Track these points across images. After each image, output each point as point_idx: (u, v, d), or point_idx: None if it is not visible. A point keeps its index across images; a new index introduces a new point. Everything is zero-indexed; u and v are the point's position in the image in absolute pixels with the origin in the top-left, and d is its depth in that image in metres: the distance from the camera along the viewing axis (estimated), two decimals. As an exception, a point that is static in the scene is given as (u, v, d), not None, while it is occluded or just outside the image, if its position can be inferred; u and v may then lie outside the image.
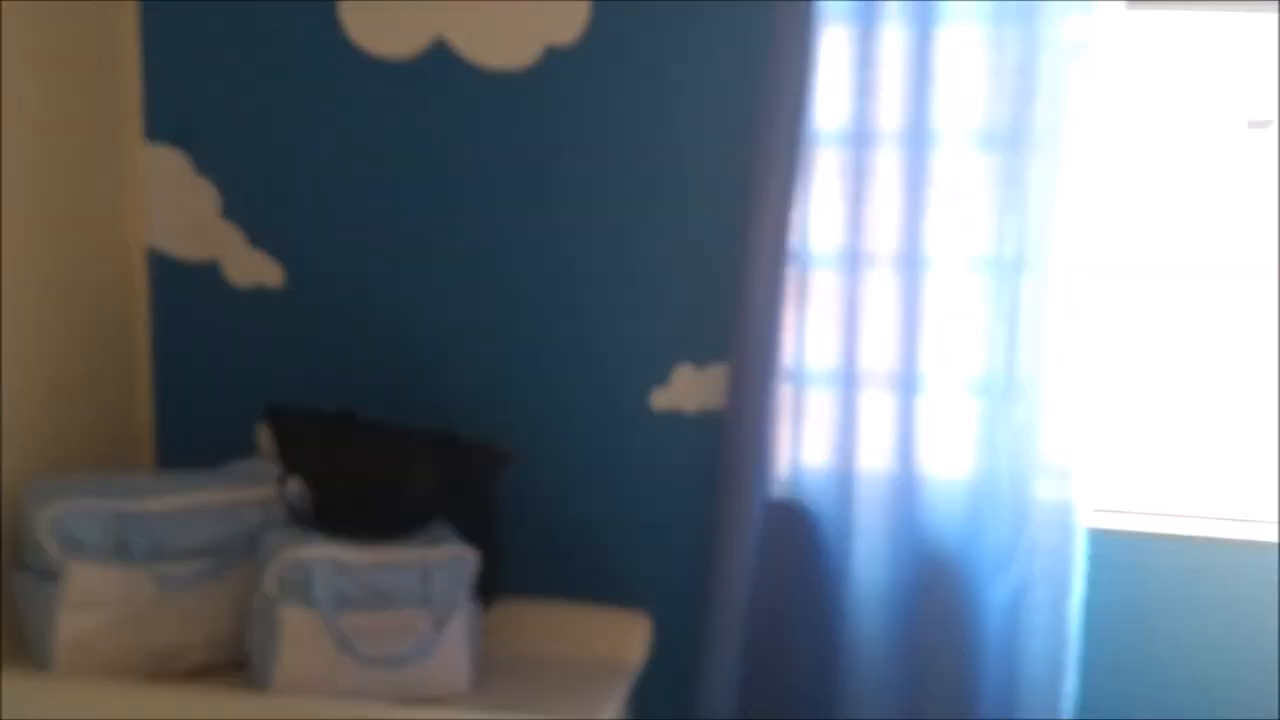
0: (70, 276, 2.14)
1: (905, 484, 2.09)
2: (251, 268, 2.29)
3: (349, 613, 1.81)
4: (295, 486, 2.02)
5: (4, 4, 1.90)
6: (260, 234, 2.28)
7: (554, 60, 2.14)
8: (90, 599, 1.84)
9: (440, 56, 2.17)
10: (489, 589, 2.03)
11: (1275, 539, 2.09)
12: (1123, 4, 1.97)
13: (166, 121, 2.27)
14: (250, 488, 1.99)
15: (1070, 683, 2.02)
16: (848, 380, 2.10)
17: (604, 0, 2.11)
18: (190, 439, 2.33)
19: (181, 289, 2.32)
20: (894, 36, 2.01)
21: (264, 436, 2.21)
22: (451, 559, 1.89)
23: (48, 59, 2.05)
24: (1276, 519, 2.12)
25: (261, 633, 1.83)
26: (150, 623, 1.88)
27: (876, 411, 2.09)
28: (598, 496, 2.24)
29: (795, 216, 2.06)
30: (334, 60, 2.20)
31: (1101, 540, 2.08)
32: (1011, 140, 2.01)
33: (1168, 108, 2.20)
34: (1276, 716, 2.08)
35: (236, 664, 1.92)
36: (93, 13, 2.16)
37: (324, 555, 1.82)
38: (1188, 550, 2.14)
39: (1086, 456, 2.04)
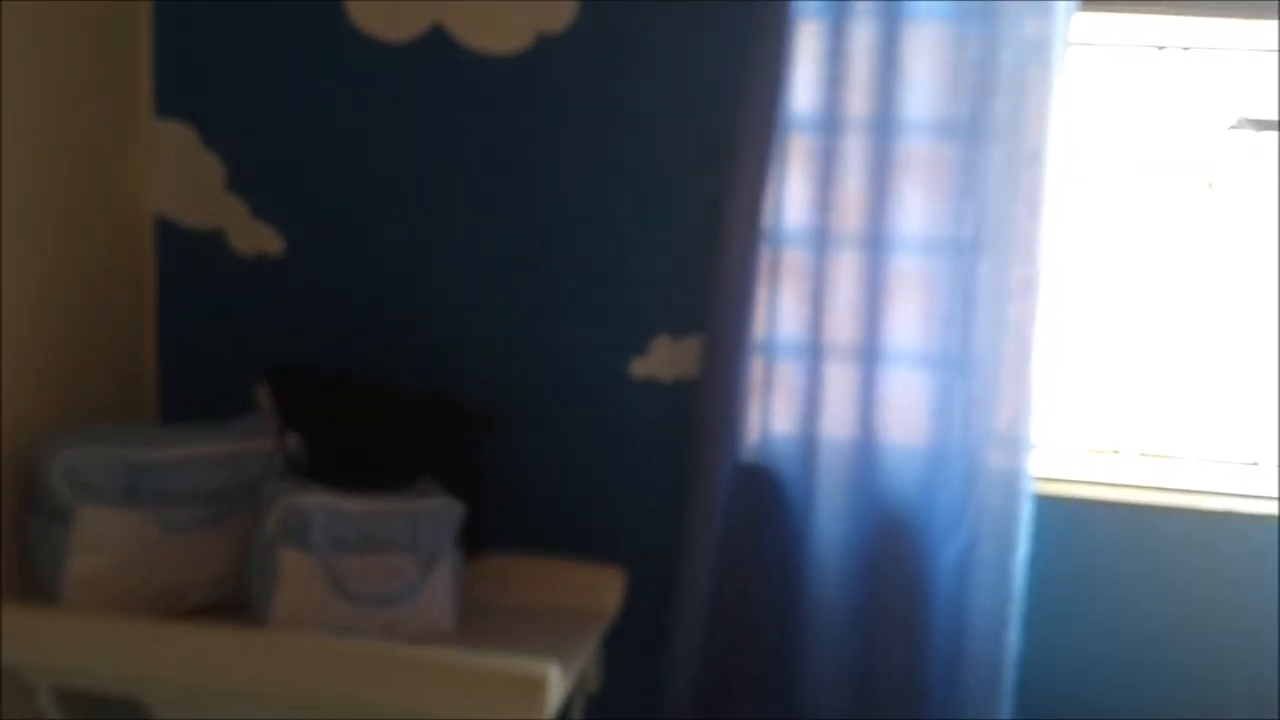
0: (83, 242, 2.24)
1: (865, 450, 2.21)
2: (254, 237, 2.40)
3: (343, 555, 1.93)
4: (294, 441, 2.13)
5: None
6: (263, 205, 2.39)
7: (545, 46, 2.25)
8: (99, 540, 1.95)
9: (437, 41, 2.28)
10: (473, 541, 2.15)
11: (1211, 507, 2.23)
12: (1076, 4, 2.08)
13: (176, 98, 2.37)
14: (252, 440, 2.11)
15: (1013, 634, 2.15)
16: (814, 353, 2.21)
17: (593, -9, 2.23)
18: (192, 397, 2.44)
19: (188, 256, 2.42)
20: (863, 31, 2.12)
21: (263, 395, 2.31)
22: (439, 510, 2.02)
23: (64, 38, 2.14)
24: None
25: (261, 573, 1.95)
26: (155, 563, 1.99)
27: (840, 382, 2.21)
28: (578, 458, 2.36)
29: (768, 197, 2.17)
30: (337, 43, 2.30)
31: (1046, 505, 2.21)
32: (971, 131, 2.13)
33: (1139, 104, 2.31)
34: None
35: (234, 603, 2.03)
36: (103, 12, 2.26)
37: (321, 503, 1.94)
38: (1127, 515, 2.28)
39: (1034, 427, 2.15)
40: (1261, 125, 2.32)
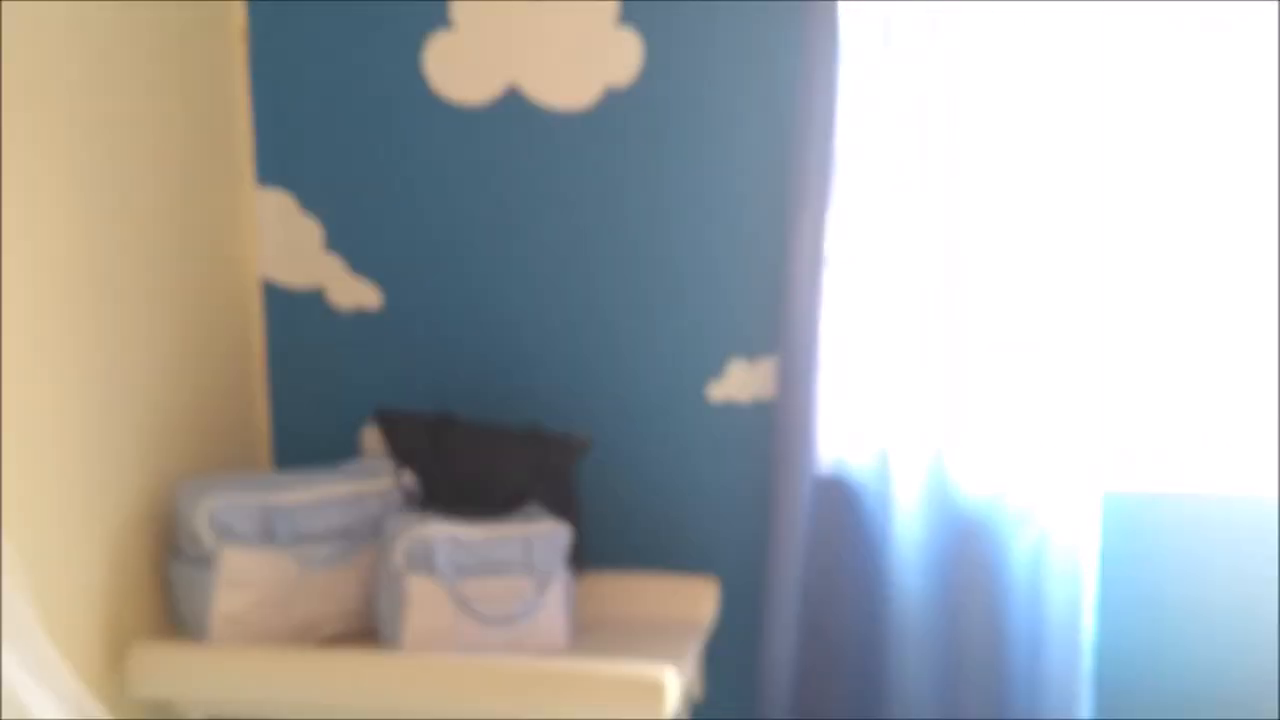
0: (197, 308, 2.39)
1: (937, 458, 2.33)
2: (353, 293, 2.55)
3: (465, 580, 2.07)
4: (408, 478, 2.28)
5: (136, 69, 2.16)
6: (359, 263, 2.54)
7: (613, 99, 2.40)
8: (241, 579, 2.09)
9: (513, 101, 2.42)
10: (575, 562, 2.27)
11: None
12: None
13: (274, 167, 2.53)
14: (371, 480, 2.25)
15: (1089, 622, 2.25)
16: (883, 370, 2.33)
17: (655, 46, 2.37)
18: (301, 445, 2.58)
19: (291, 314, 2.57)
20: (910, 68, 2.25)
21: (373, 438, 2.46)
22: (549, 533, 2.15)
23: (174, 121, 2.30)
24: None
25: (390, 601, 2.09)
26: (292, 599, 2.13)
27: (912, 397, 2.32)
28: (666, 479, 2.48)
29: (831, 222, 2.29)
30: (420, 108, 2.45)
31: (1116, 499, 2.32)
32: (1015, 150, 2.25)
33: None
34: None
35: (365, 632, 2.17)
36: (210, 79, 2.42)
37: (443, 532, 2.08)
38: (1192, 506, 2.37)
39: (1099, 427, 2.26)
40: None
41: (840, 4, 2.21)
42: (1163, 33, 2.33)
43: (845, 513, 2.40)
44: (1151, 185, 2.37)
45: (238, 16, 2.47)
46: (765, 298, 2.39)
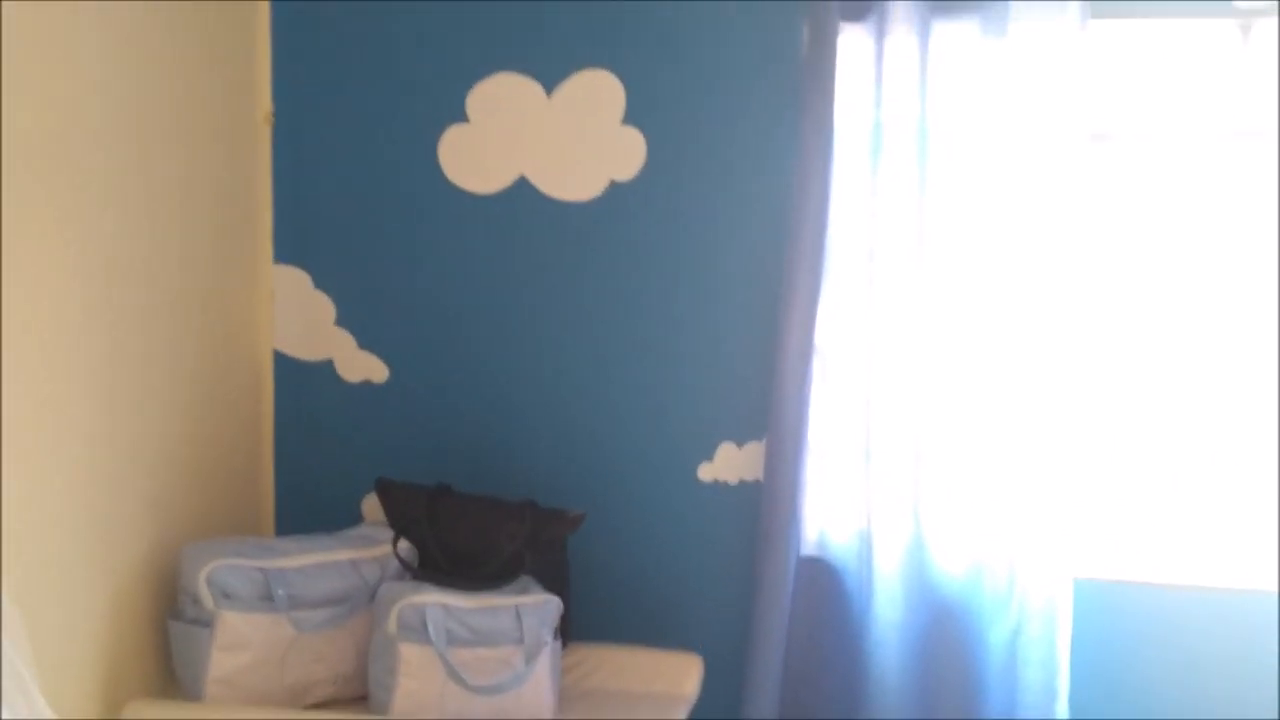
0: (209, 373, 2.37)
1: (917, 543, 2.30)
2: (360, 366, 2.54)
3: (456, 649, 2.01)
4: (405, 546, 2.23)
5: (168, 148, 2.17)
6: (368, 338, 2.53)
7: (617, 192, 2.42)
8: (238, 641, 2.04)
9: (521, 191, 2.44)
10: (563, 633, 2.22)
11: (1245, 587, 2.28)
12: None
13: (291, 245, 2.54)
14: (369, 548, 2.21)
15: (1063, 708, 2.20)
16: (867, 455, 2.32)
17: (658, 143, 2.40)
18: (304, 510, 2.55)
19: (300, 384, 2.56)
20: (898, 167, 2.27)
21: (373, 506, 2.42)
22: (540, 604, 2.10)
23: (199, 199, 2.30)
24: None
25: (382, 666, 2.03)
26: (286, 661, 2.08)
27: (892, 481, 2.30)
28: (655, 555, 2.45)
29: (819, 314, 2.29)
30: (433, 195, 2.47)
31: (1088, 587, 2.28)
32: (999, 251, 2.26)
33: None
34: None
35: (356, 698, 2.12)
36: (235, 161, 2.44)
37: (436, 600, 2.03)
38: (1163, 596, 2.33)
39: (1074, 516, 2.24)
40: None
41: (835, 108, 2.23)
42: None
43: (827, 591, 2.37)
44: (1131, 275, 2.38)
45: (264, 102, 2.49)
46: (756, 384, 2.38)
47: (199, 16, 2.25)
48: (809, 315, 2.29)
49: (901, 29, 2.22)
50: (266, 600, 2.06)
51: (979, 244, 2.27)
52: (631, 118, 2.40)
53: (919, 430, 2.29)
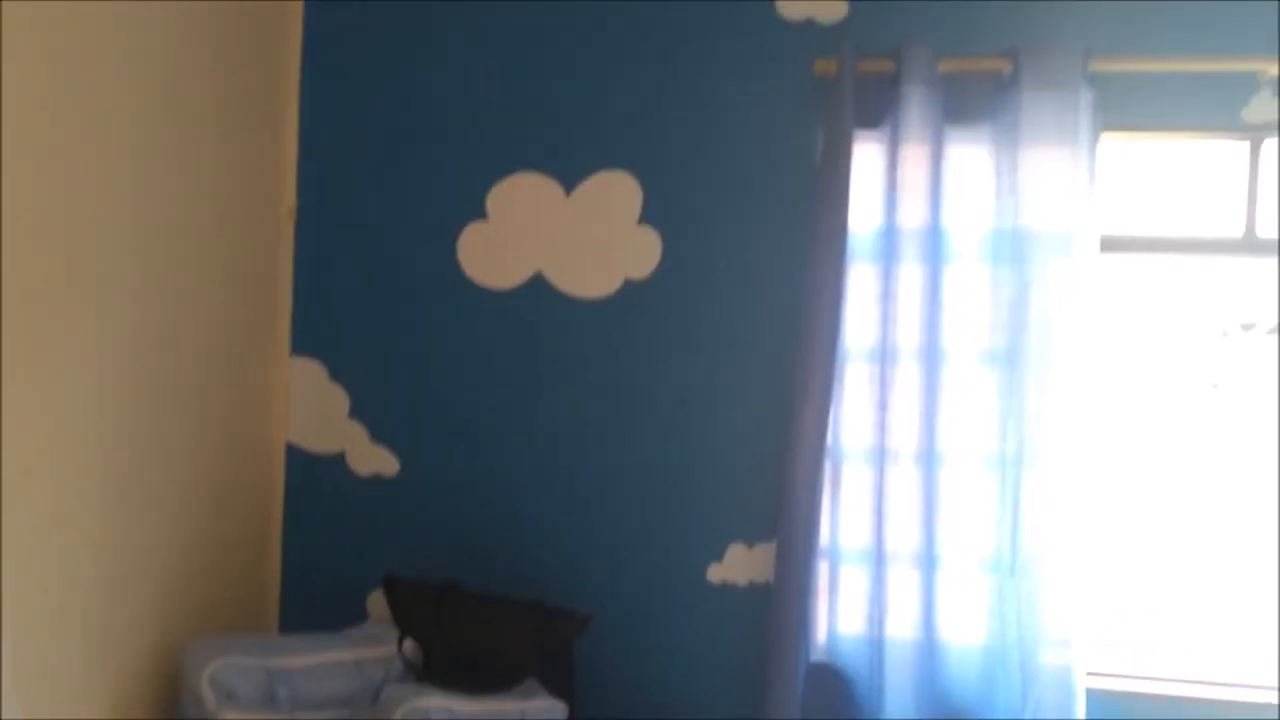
0: (220, 466, 2.35)
1: (928, 650, 2.25)
2: (372, 459, 2.51)
3: (461, 755, 1.95)
4: (411, 646, 2.18)
5: (190, 243, 2.18)
6: (381, 431, 2.51)
7: (631, 290, 2.42)
8: (239, 742, 1.98)
9: (538, 288, 2.45)
10: (568, 736, 2.16)
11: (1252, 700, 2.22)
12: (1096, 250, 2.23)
13: (309, 337, 2.54)
14: (373, 647, 2.17)
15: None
16: (877, 559, 2.27)
17: (673, 243, 2.40)
18: (310, 607, 2.51)
19: (311, 477, 2.53)
20: (911, 273, 2.27)
21: (379, 603, 2.37)
22: (545, 709, 2.05)
23: (220, 293, 2.31)
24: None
25: (385, 772, 1.97)
26: (287, 764, 2.02)
27: (902, 586, 2.26)
28: (663, 658, 2.40)
29: (831, 418, 2.27)
30: (452, 290, 2.47)
31: (1099, 698, 2.22)
32: (1009, 359, 2.24)
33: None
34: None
35: (357, 802, 2.05)
36: (257, 256, 2.45)
37: (440, 705, 1.98)
38: (1174, 708, 2.26)
39: (1084, 626, 2.19)
40: (1249, 327, 2.42)
41: (850, 212, 2.23)
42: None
43: (836, 698, 2.31)
44: (1140, 379, 2.37)
45: (288, 197, 2.51)
46: (767, 484, 2.35)
47: (227, 114, 2.28)
48: (821, 417, 2.26)
49: (915, 138, 2.24)
50: (269, 700, 2.01)
51: (991, 348, 2.26)
52: (648, 218, 2.41)
53: (930, 534, 2.25)
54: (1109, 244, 2.27)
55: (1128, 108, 2.23)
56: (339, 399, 2.52)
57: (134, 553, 2.05)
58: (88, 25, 1.82)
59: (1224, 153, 2.31)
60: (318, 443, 2.53)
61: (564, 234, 2.43)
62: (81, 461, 1.89)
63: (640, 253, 2.41)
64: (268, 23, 2.42)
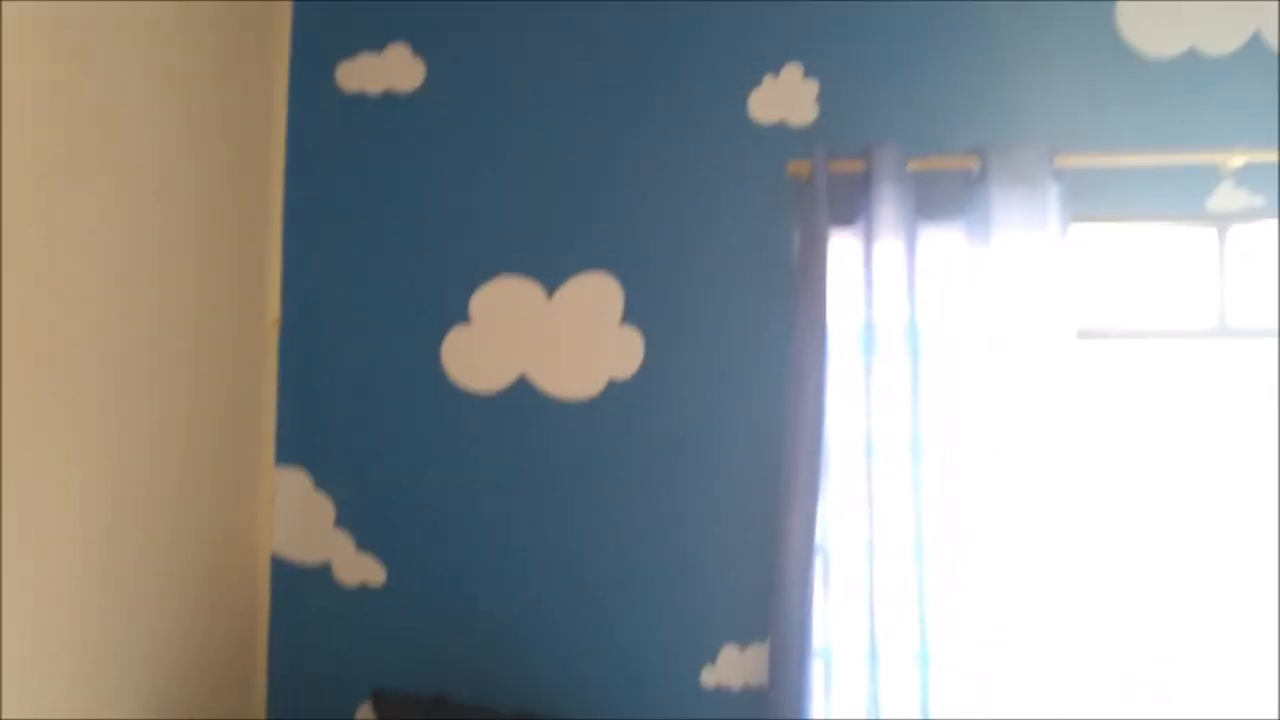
0: (205, 583, 2.31)
1: (928, 748, 2.19)
2: (358, 569, 2.47)
3: None
4: (399, 762, 2.12)
5: (168, 357, 2.18)
6: (367, 540, 2.48)
7: (615, 391, 2.42)
8: None
9: (522, 391, 2.44)
10: None
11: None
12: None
13: (293, 446, 2.52)
14: (360, 763, 2.09)
15: None
16: (870, 656, 2.23)
17: (656, 343, 2.41)
18: (297, 717, 2.44)
19: (297, 589, 2.49)
20: (891, 369, 2.28)
21: (369, 717, 2.31)
22: (538, 825, 1.98)
23: (205, 407, 2.30)
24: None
25: None
26: None
27: (896, 684, 2.21)
28: (658, 766, 2.33)
29: (819, 512, 2.25)
30: (436, 395, 2.47)
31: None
32: (990, 449, 2.24)
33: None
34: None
35: None
36: (241, 368, 2.44)
37: (429, 823, 1.91)
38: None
39: (1077, 701, 2.14)
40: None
41: (828, 308, 2.25)
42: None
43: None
44: (1123, 467, 2.36)
45: (273, 307, 2.52)
46: (757, 584, 2.32)
47: (211, 224, 2.30)
48: (809, 513, 2.24)
49: (889, 234, 2.27)
50: (252, 824, 1.93)
51: (973, 439, 2.25)
52: (630, 318, 2.42)
53: (925, 629, 2.21)
54: (1084, 333, 2.29)
55: (1095, 199, 2.27)
56: (324, 508, 2.49)
57: (115, 669, 2.00)
58: (72, 134, 1.85)
59: (1193, 240, 2.34)
60: (303, 553, 2.49)
61: (547, 336, 2.44)
62: (62, 574, 1.85)
63: (623, 353, 2.42)
64: (252, 130, 2.46)
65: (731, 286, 2.40)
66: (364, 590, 2.46)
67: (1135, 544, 2.37)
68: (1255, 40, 2.24)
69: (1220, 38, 2.25)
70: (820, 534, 2.26)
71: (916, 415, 2.26)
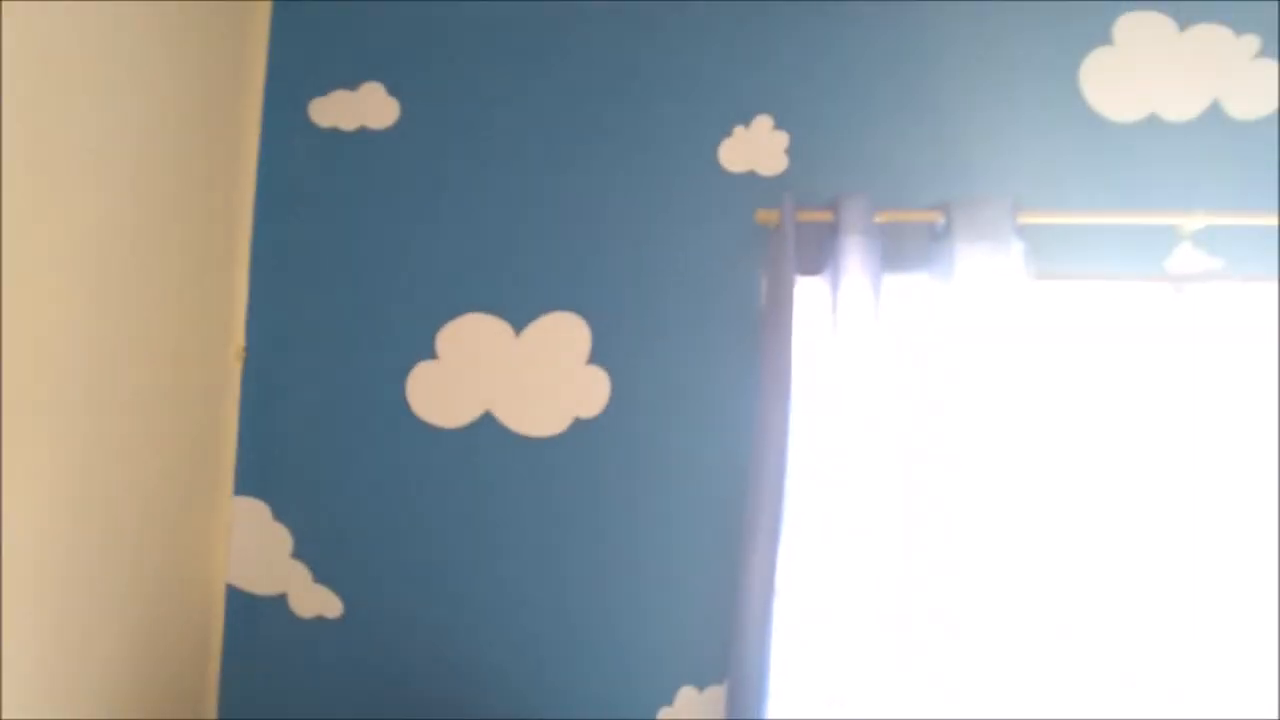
0: (158, 613, 2.28)
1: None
2: (315, 601, 2.45)
3: None
4: (350, 801, 2.09)
5: (129, 385, 2.15)
6: (324, 571, 2.45)
7: (580, 429, 2.42)
8: None
9: (487, 427, 2.44)
10: None
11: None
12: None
13: (253, 477, 2.50)
14: (311, 802, 2.06)
15: None
16: (831, 700, 2.23)
17: (622, 382, 2.41)
18: (246, 755, 2.40)
19: (252, 620, 2.46)
20: (853, 410, 2.29)
21: (319, 753, 2.28)
22: None
23: (165, 435, 2.28)
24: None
25: None
26: None
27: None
28: (612, 809, 2.31)
29: (780, 554, 2.25)
30: (400, 429, 2.46)
31: None
32: (956, 499, 2.26)
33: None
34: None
35: None
36: (204, 397, 2.42)
37: None
38: None
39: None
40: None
41: (793, 351, 2.27)
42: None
43: None
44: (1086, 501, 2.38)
45: (237, 338, 2.50)
46: (717, 625, 2.32)
47: (179, 253, 2.28)
48: (770, 555, 2.24)
49: (855, 280, 2.29)
50: None
51: (935, 480, 2.27)
52: (597, 358, 2.43)
53: (885, 674, 2.22)
54: (1045, 386, 2.32)
55: (1057, 256, 2.31)
56: (282, 539, 2.47)
57: (63, 699, 1.96)
58: (38, 161, 1.83)
59: (1152, 296, 2.38)
60: (259, 584, 2.46)
61: (513, 373, 2.44)
62: (14, 600, 1.82)
63: (589, 392, 2.42)
64: (223, 161, 2.44)
65: (698, 330, 2.41)
66: (320, 622, 2.44)
67: (1121, 573, 2.37)
68: (1214, 107, 2.30)
69: (1180, 104, 2.31)
70: (781, 575, 2.27)
71: (879, 458, 2.28)
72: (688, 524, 2.37)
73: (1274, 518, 2.27)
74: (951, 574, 2.24)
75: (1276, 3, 2.32)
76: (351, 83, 2.53)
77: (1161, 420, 2.38)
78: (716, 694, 2.32)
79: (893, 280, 2.36)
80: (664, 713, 2.34)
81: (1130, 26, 2.34)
